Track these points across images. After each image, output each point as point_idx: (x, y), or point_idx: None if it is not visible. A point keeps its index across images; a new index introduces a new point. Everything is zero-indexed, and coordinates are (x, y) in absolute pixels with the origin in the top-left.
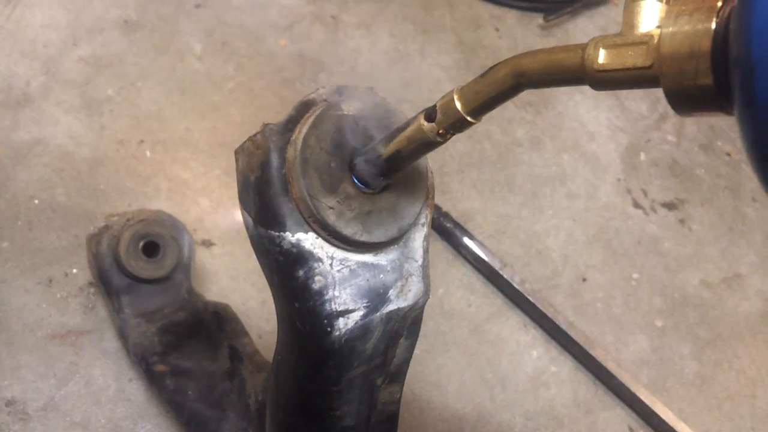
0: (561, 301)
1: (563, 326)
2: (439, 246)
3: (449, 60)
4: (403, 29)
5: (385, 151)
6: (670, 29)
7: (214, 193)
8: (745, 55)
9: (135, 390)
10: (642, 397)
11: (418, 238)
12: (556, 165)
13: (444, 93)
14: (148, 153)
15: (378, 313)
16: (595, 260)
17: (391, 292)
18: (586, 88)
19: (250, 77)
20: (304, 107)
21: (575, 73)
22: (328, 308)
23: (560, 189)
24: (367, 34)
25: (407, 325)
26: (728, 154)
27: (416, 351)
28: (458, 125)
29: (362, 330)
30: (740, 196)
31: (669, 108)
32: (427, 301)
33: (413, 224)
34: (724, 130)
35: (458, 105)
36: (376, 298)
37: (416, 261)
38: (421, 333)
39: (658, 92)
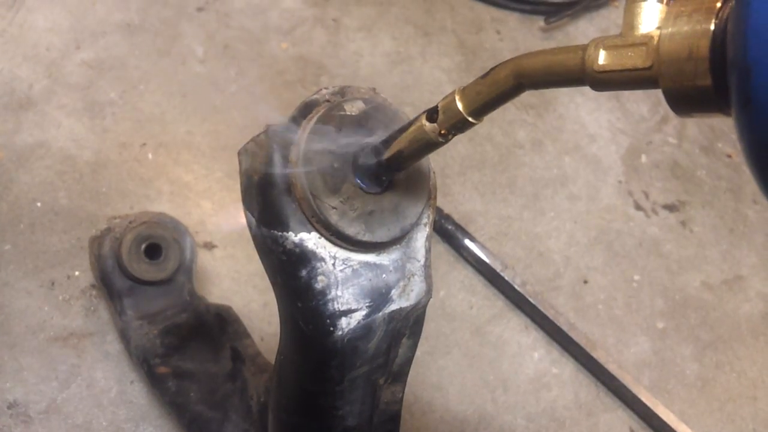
0: (562, 303)
1: (564, 328)
2: (441, 248)
3: (450, 62)
4: (405, 32)
5: (388, 151)
6: (669, 30)
7: (216, 195)
8: (742, 56)
9: (137, 392)
10: (643, 399)
11: (420, 238)
12: (557, 167)
13: (445, 94)
14: (150, 156)
15: (380, 313)
16: (596, 262)
17: (393, 291)
18: (587, 90)
19: (252, 80)
20: (307, 108)
21: (576, 73)
22: (331, 308)
23: (561, 191)
24: (368, 37)
25: (409, 325)
26: (729, 156)
27: (418, 353)
28: (460, 126)
29: (365, 330)
30: (741, 198)
31: (670, 110)
32: (429, 300)
33: (416, 224)
34: (725, 132)
35: (460, 105)
36: (379, 297)
37: (418, 261)
38: (423, 335)
39: (659, 94)
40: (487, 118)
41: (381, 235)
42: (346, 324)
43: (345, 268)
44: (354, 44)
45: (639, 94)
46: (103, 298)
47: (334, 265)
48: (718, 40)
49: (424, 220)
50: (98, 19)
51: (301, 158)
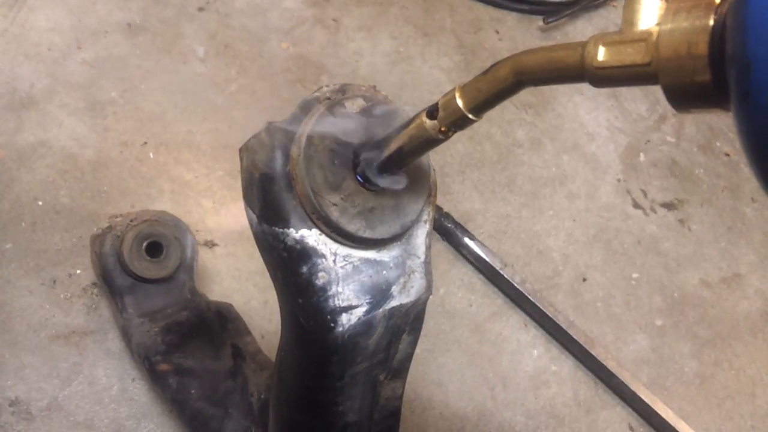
0: (561, 301)
1: (563, 325)
2: (440, 246)
3: (450, 62)
4: (404, 32)
5: (388, 148)
6: (668, 26)
7: (217, 194)
8: (741, 51)
9: (138, 390)
10: (642, 396)
11: (420, 234)
12: (556, 166)
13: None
14: (151, 155)
15: (381, 309)
16: (595, 260)
17: (393, 288)
18: (586, 89)
19: (253, 79)
20: (308, 105)
21: (575, 70)
22: (332, 304)
23: (560, 189)
24: (368, 37)
25: (409, 321)
26: (727, 155)
27: (417, 350)
28: (460, 123)
29: (365, 326)
30: (739, 196)
31: (668, 109)
32: (429, 297)
33: (416, 221)
34: (722, 131)
35: (460, 102)
36: (379, 294)
37: (418, 257)
38: (423, 332)
39: (658, 93)
40: (486, 117)
41: (381, 231)
42: (347, 320)
43: (345, 264)
44: (354, 44)
45: (637, 93)
46: (105, 296)
47: (334, 261)
48: (717, 35)
49: (424, 217)
50: (99, 18)
51: (302, 155)
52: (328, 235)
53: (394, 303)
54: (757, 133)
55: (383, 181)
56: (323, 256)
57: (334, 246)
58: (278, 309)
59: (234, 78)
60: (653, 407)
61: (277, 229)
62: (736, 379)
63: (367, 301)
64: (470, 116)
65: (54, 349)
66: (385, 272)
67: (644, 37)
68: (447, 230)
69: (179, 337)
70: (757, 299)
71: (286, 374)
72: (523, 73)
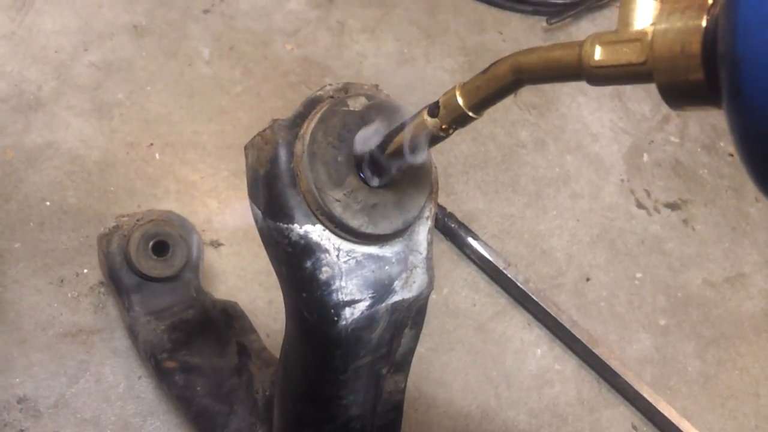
0: (565, 300)
1: (567, 325)
2: (444, 246)
3: (453, 63)
4: (408, 33)
5: (390, 146)
6: (663, 26)
7: (222, 194)
8: (731, 50)
9: (144, 387)
10: (645, 395)
11: (422, 231)
12: (560, 166)
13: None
14: (157, 155)
15: (383, 304)
16: (598, 260)
17: (396, 283)
18: (589, 90)
19: (258, 81)
20: (312, 103)
21: (573, 69)
22: (335, 298)
23: (564, 190)
24: (372, 39)
25: (412, 315)
26: (731, 155)
27: (421, 349)
28: (460, 120)
29: (368, 320)
30: (743, 196)
31: (672, 110)
32: (431, 292)
33: (418, 217)
34: (726, 132)
35: (460, 101)
36: (382, 289)
37: (420, 253)
38: (426, 332)
39: None
40: (489, 118)
41: (384, 227)
42: (350, 314)
43: (349, 259)
44: (358, 45)
45: (641, 93)
46: (112, 295)
47: (338, 256)
48: (710, 35)
49: (426, 214)
50: (106, 21)
51: (305, 152)
52: (331, 231)
53: (396, 298)
54: (748, 129)
55: (394, 164)
56: (327, 251)
57: (338, 241)
58: (283, 308)
59: (239, 79)
60: (656, 406)
61: (281, 224)
62: (740, 378)
63: (370, 295)
64: (471, 114)
65: (61, 347)
66: (387, 267)
67: (639, 37)
68: (451, 230)
69: (185, 334)
70: (761, 299)
71: (291, 368)
72: (522, 71)
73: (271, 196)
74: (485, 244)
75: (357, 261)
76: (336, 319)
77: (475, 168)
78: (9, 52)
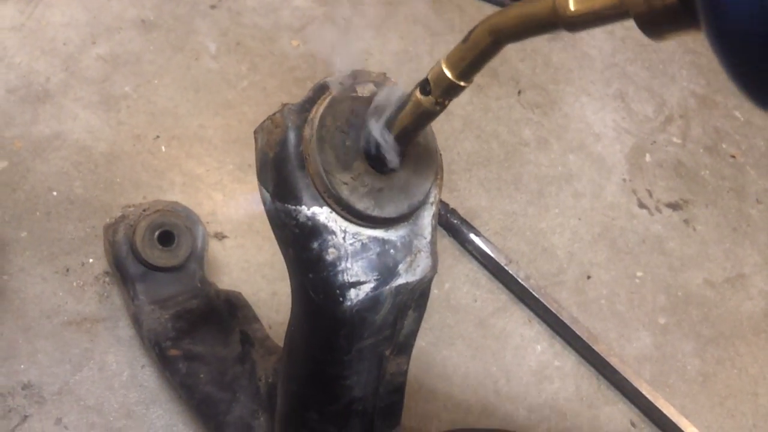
0: (565, 297)
1: (567, 321)
2: (446, 242)
3: None
4: (413, 31)
5: (393, 129)
6: None
7: (227, 187)
8: None
9: (147, 376)
10: (644, 393)
11: (426, 216)
12: (562, 165)
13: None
14: (163, 148)
15: (388, 286)
16: (599, 258)
17: (400, 266)
18: (593, 90)
19: (264, 76)
20: (321, 89)
21: (549, 21)
22: (341, 279)
23: (566, 188)
24: (377, 36)
25: (415, 298)
26: (733, 157)
27: (422, 343)
28: (452, 91)
29: (372, 301)
30: (744, 198)
31: (675, 111)
32: (434, 275)
33: (423, 202)
34: (729, 133)
35: (448, 73)
36: (386, 271)
37: (425, 238)
38: (428, 326)
39: (665, 95)
40: (493, 116)
41: (389, 211)
42: (355, 295)
43: (355, 242)
44: (363, 43)
45: (644, 94)
46: (116, 284)
47: (344, 238)
48: None
49: (431, 199)
50: (114, 15)
51: (314, 136)
52: (338, 213)
53: (400, 281)
54: (727, 45)
55: (398, 147)
56: (333, 232)
57: (344, 224)
58: (286, 301)
59: (245, 74)
60: (655, 404)
61: (289, 206)
62: (739, 378)
63: (375, 277)
64: (461, 83)
65: (66, 335)
66: (392, 251)
67: None
68: (453, 226)
69: (189, 323)
70: (761, 300)
71: (296, 350)
72: (500, 32)
73: (280, 178)
74: (487, 241)
75: (363, 243)
76: (341, 299)
77: (478, 165)
78: (18, 44)
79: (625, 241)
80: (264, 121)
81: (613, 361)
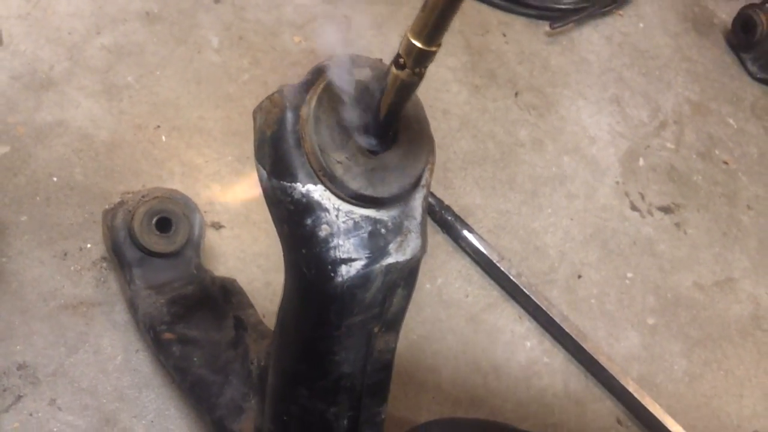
0: (556, 296)
1: (557, 319)
2: (440, 238)
3: (457, 62)
4: None
5: (382, 109)
6: None
7: (226, 178)
8: None
9: (141, 361)
10: (631, 391)
11: (418, 197)
12: (557, 166)
13: (451, 92)
14: (163, 138)
15: (378, 265)
16: (590, 258)
17: (391, 246)
18: (589, 94)
19: (265, 71)
20: (319, 72)
21: None
22: (333, 255)
23: (560, 189)
24: (378, 35)
25: (404, 276)
26: (725, 163)
27: (413, 336)
28: (423, 58)
29: (363, 279)
30: (735, 204)
31: (669, 116)
32: (423, 255)
33: (415, 184)
34: (722, 140)
35: (416, 43)
36: (377, 250)
37: (415, 219)
38: (419, 320)
39: (660, 101)
40: (490, 117)
41: (382, 191)
42: (346, 271)
43: (347, 220)
44: (364, 41)
45: (640, 99)
46: (113, 270)
47: (337, 216)
48: None
49: (423, 182)
50: (119, 6)
51: (311, 115)
52: (332, 192)
53: (390, 260)
54: None
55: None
56: (327, 210)
57: (338, 202)
58: (280, 291)
59: (247, 68)
60: (642, 402)
61: (285, 183)
62: (725, 379)
63: (366, 255)
64: (431, 48)
65: (62, 318)
66: (383, 230)
67: None
68: (447, 223)
69: (184, 308)
70: (749, 304)
71: (287, 326)
72: None
73: (277, 156)
74: (480, 238)
75: (355, 222)
76: (333, 275)
77: (474, 164)
78: (24, 32)
79: (616, 242)
80: (263, 101)
81: (602, 360)
